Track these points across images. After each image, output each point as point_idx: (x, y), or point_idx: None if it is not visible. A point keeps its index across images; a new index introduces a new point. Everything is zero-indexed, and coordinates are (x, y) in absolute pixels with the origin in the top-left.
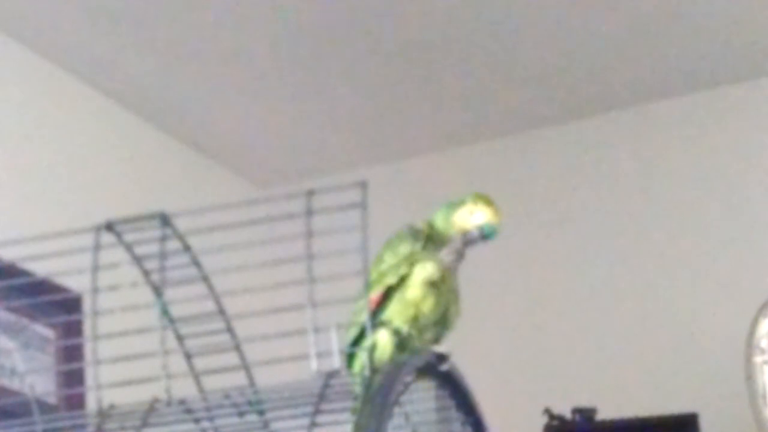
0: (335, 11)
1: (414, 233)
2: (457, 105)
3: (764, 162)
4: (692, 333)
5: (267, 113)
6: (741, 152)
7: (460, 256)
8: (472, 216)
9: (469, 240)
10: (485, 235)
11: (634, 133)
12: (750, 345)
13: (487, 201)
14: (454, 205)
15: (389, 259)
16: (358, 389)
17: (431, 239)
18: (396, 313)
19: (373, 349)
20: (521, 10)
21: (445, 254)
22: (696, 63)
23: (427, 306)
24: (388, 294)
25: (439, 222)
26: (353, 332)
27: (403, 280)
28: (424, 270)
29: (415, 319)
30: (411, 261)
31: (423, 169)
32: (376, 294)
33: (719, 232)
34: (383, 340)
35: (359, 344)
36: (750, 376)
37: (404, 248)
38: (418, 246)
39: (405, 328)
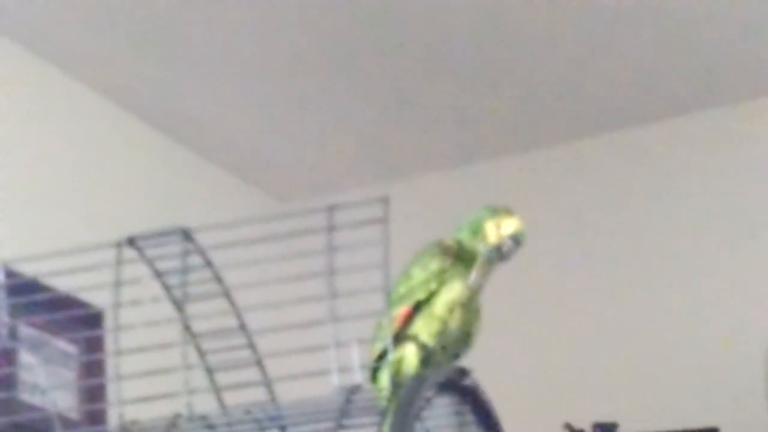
0: (358, 27)
1: (444, 250)
2: (479, 120)
3: None
4: (713, 347)
5: (289, 128)
6: (760, 170)
7: (487, 273)
8: (501, 228)
9: (505, 252)
10: (518, 243)
11: (656, 150)
12: None
13: (507, 211)
14: (477, 221)
15: (418, 275)
16: (383, 403)
17: (460, 256)
18: (423, 327)
19: (399, 362)
20: (541, 29)
21: (474, 275)
22: (708, 81)
23: (454, 323)
24: (416, 309)
25: (466, 239)
26: (379, 347)
27: (432, 295)
28: (452, 291)
29: (441, 335)
30: (440, 278)
31: (444, 185)
32: (404, 308)
33: (740, 247)
34: (410, 354)
35: (385, 358)
36: None
37: (434, 264)
38: (448, 263)
39: (431, 343)
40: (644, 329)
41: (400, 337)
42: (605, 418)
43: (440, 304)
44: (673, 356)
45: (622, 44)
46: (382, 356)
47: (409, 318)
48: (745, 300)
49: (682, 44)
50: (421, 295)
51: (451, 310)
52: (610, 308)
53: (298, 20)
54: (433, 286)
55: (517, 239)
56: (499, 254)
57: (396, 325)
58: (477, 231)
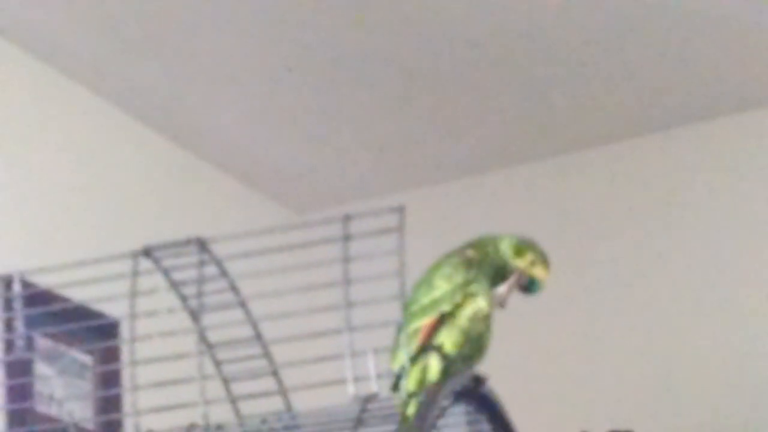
0: (374, 37)
1: (467, 261)
2: (495, 129)
3: None
4: (731, 356)
5: (304, 138)
6: (757, 182)
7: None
8: (533, 267)
9: (520, 283)
10: (533, 289)
11: (672, 157)
12: None
13: (546, 259)
14: (523, 246)
15: (443, 286)
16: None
17: (481, 265)
18: (447, 338)
19: (423, 372)
20: (553, 41)
21: (502, 290)
22: (714, 91)
23: (476, 335)
24: (441, 320)
25: (503, 250)
26: (402, 356)
27: (457, 307)
28: (477, 305)
29: (463, 346)
30: (465, 290)
31: (460, 194)
32: (430, 319)
33: (755, 258)
34: (433, 365)
35: (407, 367)
36: None
37: (459, 277)
38: (472, 274)
39: (454, 354)
40: (661, 337)
41: (424, 348)
42: (621, 425)
43: (465, 317)
44: (690, 365)
45: (628, 55)
46: (408, 365)
47: (434, 329)
48: (760, 309)
49: (681, 55)
50: (446, 307)
51: (474, 322)
52: (627, 315)
53: (315, 32)
54: (458, 298)
55: (534, 285)
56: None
57: (421, 335)
58: (519, 252)
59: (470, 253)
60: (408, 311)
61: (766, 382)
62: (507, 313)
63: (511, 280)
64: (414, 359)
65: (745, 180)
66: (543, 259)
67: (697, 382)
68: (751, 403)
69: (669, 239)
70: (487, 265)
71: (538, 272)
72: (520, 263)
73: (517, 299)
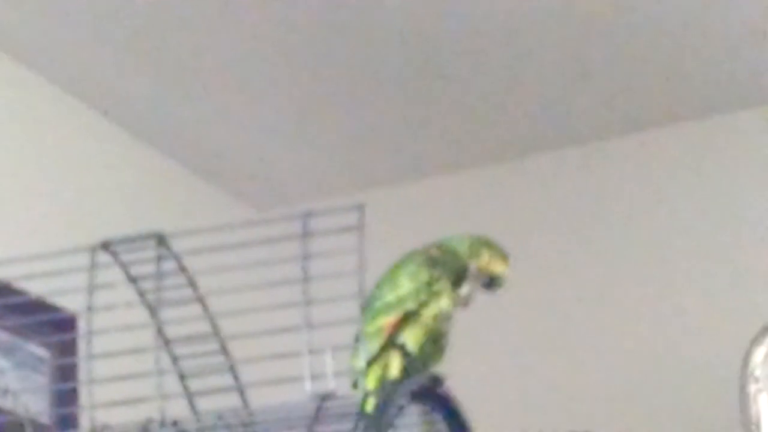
0: (334, 35)
1: (430, 261)
2: (456, 130)
3: (759, 191)
4: (688, 359)
5: (265, 135)
6: (737, 181)
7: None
8: (489, 264)
9: (485, 283)
10: (496, 284)
11: (636, 159)
12: (744, 374)
13: (504, 255)
14: (478, 244)
15: (407, 284)
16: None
17: (444, 264)
18: (410, 337)
19: (384, 370)
20: (522, 37)
21: (465, 291)
22: (692, 92)
23: (439, 334)
24: (404, 318)
25: (459, 251)
26: (363, 354)
27: (421, 306)
28: (441, 304)
29: (425, 345)
30: (430, 290)
31: (421, 193)
32: (394, 317)
33: (714, 261)
34: (395, 363)
35: (369, 365)
36: (744, 405)
37: (423, 275)
38: (436, 273)
39: (416, 352)
40: (621, 339)
41: (386, 346)
42: (579, 428)
43: (428, 316)
44: (646, 369)
45: (609, 56)
46: (369, 363)
47: (397, 327)
48: (718, 315)
49: (669, 55)
50: (411, 306)
51: (438, 322)
52: (586, 316)
53: (276, 28)
54: (422, 296)
55: (497, 280)
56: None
57: (385, 333)
58: (475, 252)
59: (434, 252)
60: (370, 308)
61: (727, 385)
62: (466, 314)
63: (471, 280)
64: (375, 357)
65: (713, 183)
66: (500, 255)
67: (657, 384)
68: (712, 405)
69: (634, 243)
70: (450, 265)
71: (496, 269)
72: (477, 262)
73: (477, 300)
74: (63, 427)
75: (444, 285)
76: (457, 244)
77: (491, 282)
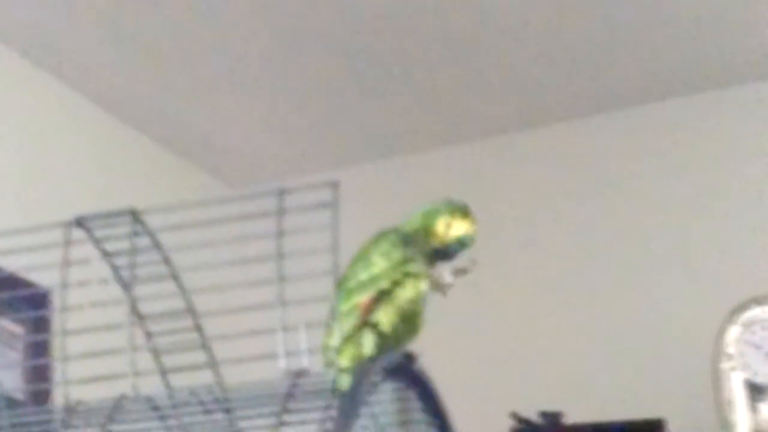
0: (311, 13)
1: (404, 239)
2: (431, 108)
3: (735, 170)
4: (660, 339)
5: (241, 112)
6: (714, 159)
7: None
8: (450, 229)
9: (449, 253)
10: (464, 246)
11: (606, 139)
12: (717, 352)
13: (463, 212)
14: (430, 214)
15: (381, 263)
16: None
17: (418, 243)
18: (384, 316)
19: (358, 349)
20: (499, 14)
21: (446, 274)
22: (673, 68)
23: (413, 314)
24: (378, 297)
25: (418, 231)
26: (337, 332)
27: (394, 285)
28: (415, 284)
29: (399, 325)
30: (404, 268)
31: (396, 171)
32: (368, 297)
33: (688, 239)
34: (368, 342)
35: (342, 344)
36: (717, 383)
37: (397, 254)
38: (410, 252)
39: (390, 332)
40: (591, 320)
41: (360, 325)
42: (551, 407)
43: (403, 295)
44: (620, 347)
45: (582, 31)
46: (343, 342)
47: (371, 306)
48: (692, 293)
49: (648, 30)
50: (385, 285)
51: (412, 302)
52: (556, 299)
53: (251, 7)
54: (396, 276)
55: (463, 242)
56: (442, 254)
57: (360, 313)
58: (428, 225)
59: (407, 230)
60: (344, 287)
61: (696, 366)
62: (440, 294)
63: (452, 266)
64: (349, 336)
65: (689, 163)
66: (459, 213)
67: (631, 362)
68: (679, 387)
69: (607, 223)
70: (423, 243)
71: (458, 229)
72: (438, 231)
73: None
74: (37, 403)
75: (418, 264)
76: (416, 220)
77: (460, 244)
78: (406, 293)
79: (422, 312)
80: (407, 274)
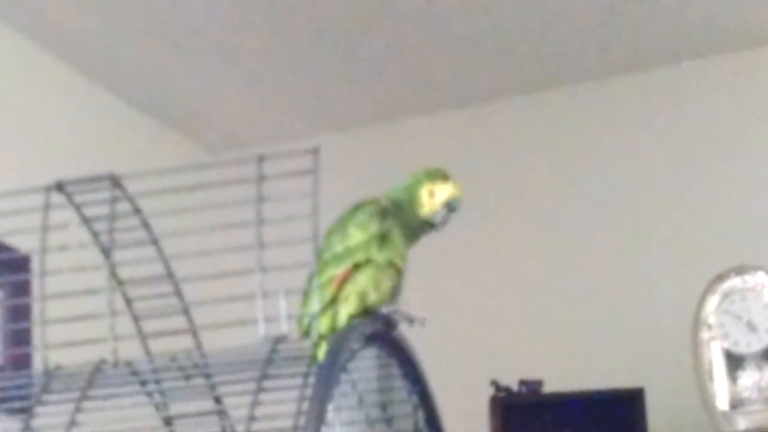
0: None
1: (381, 210)
2: (411, 75)
3: (714, 143)
4: (640, 308)
5: (221, 78)
6: (692, 132)
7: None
8: (435, 195)
9: (440, 219)
10: (452, 209)
11: (586, 109)
12: (697, 321)
13: (443, 176)
14: (411, 186)
15: (358, 235)
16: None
17: (397, 217)
18: (360, 287)
19: (333, 318)
20: None
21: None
22: (650, 40)
23: (388, 283)
24: (354, 268)
25: (403, 201)
26: (315, 302)
27: (371, 256)
28: (391, 253)
29: (374, 296)
30: (379, 240)
31: (376, 138)
32: (344, 269)
33: (669, 210)
34: (343, 312)
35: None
36: (696, 352)
37: (373, 227)
38: (386, 225)
39: (366, 302)
40: (570, 289)
41: (336, 296)
42: (531, 375)
43: (378, 266)
44: (600, 316)
45: (543, 7)
46: (322, 310)
47: (347, 278)
48: (672, 263)
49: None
50: (360, 257)
51: (388, 272)
52: (537, 268)
53: None
54: (372, 248)
55: (451, 206)
56: (431, 224)
57: (334, 285)
58: (412, 197)
59: (384, 202)
60: (321, 258)
61: (676, 336)
62: (419, 261)
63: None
64: (325, 308)
65: (675, 134)
66: (439, 178)
67: (606, 335)
68: (658, 356)
69: (583, 195)
70: (411, 218)
71: (443, 194)
72: (422, 210)
73: (431, 245)
74: (16, 367)
75: (394, 234)
76: (395, 194)
77: (449, 210)
78: (381, 266)
79: (401, 282)
80: (384, 247)
